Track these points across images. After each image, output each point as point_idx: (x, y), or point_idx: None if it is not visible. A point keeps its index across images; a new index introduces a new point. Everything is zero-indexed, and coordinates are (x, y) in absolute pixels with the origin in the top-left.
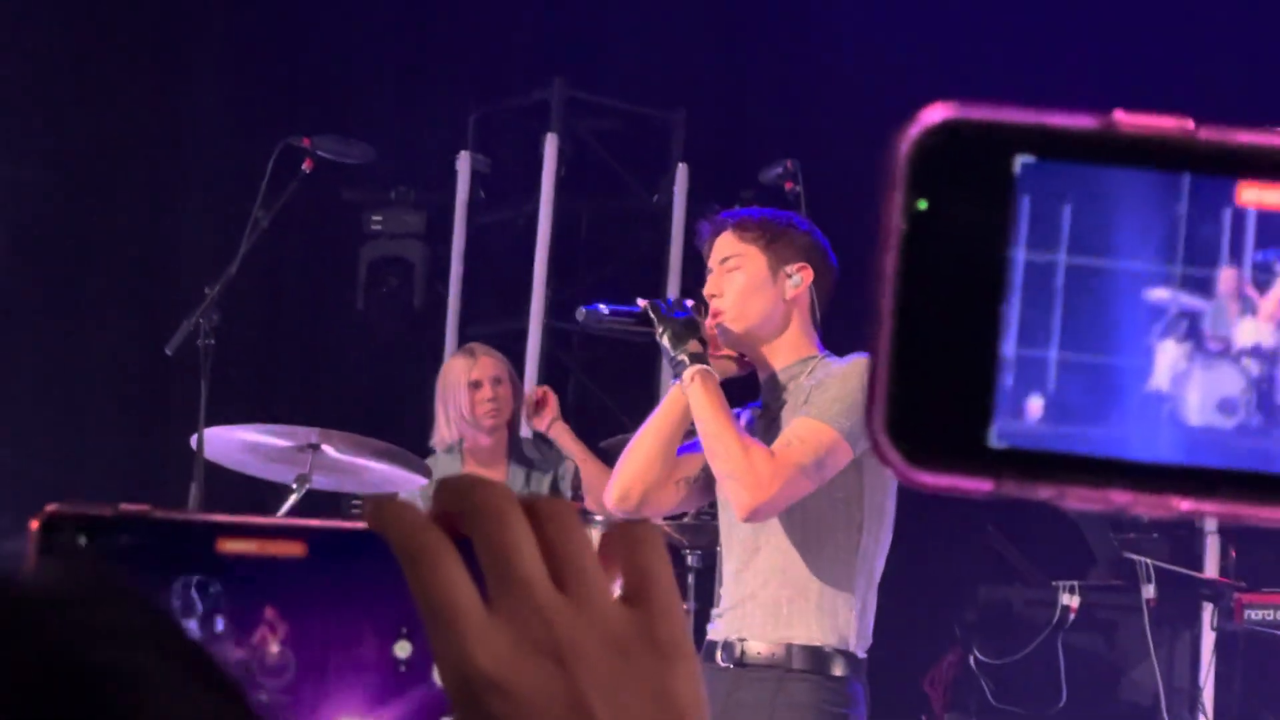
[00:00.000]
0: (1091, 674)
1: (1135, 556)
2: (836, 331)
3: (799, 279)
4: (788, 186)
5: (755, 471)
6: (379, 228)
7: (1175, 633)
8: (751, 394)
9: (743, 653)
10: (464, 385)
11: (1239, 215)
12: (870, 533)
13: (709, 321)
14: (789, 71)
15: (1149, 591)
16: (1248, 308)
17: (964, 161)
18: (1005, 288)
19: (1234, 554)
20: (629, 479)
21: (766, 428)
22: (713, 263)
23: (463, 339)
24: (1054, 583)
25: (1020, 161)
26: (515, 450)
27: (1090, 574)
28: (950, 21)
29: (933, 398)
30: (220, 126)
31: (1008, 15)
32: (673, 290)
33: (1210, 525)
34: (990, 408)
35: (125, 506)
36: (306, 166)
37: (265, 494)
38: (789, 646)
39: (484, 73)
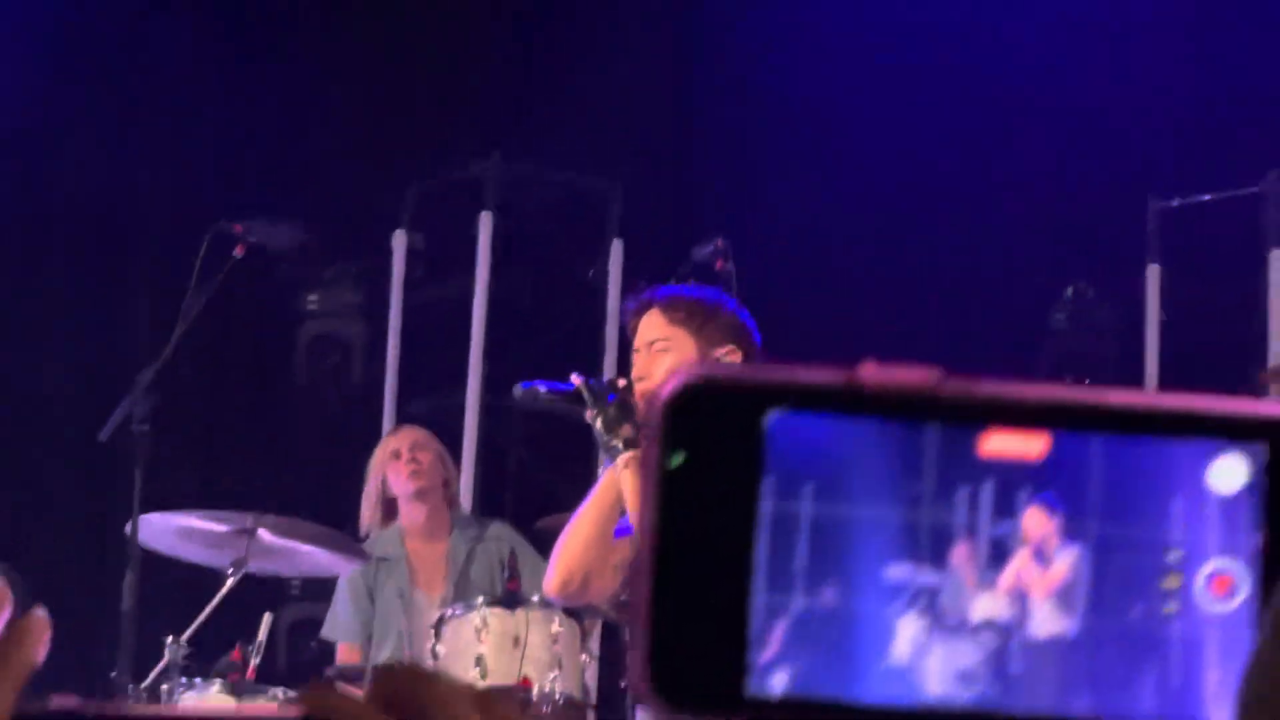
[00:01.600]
0: None
1: None
2: None
3: (728, 363)
4: (719, 265)
5: None
6: (316, 306)
7: None
8: None
9: None
10: (384, 460)
11: (981, 465)
12: None
13: (638, 401)
14: (726, 146)
15: None
16: (992, 563)
17: (717, 417)
18: (756, 540)
19: None
20: (569, 566)
21: None
22: (640, 343)
23: (401, 416)
24: None
25: (771, 416)
26: (457, 523)
27: None
28: (887, 102)
29: (689, 648)
30: (154, 211)
31: (937, 97)
32: (609, 364)
33: None
34: (743, 659)
35: (56, 699)
36: (238, 252)
37: (203, 580)
38: None
39: (419, 149)
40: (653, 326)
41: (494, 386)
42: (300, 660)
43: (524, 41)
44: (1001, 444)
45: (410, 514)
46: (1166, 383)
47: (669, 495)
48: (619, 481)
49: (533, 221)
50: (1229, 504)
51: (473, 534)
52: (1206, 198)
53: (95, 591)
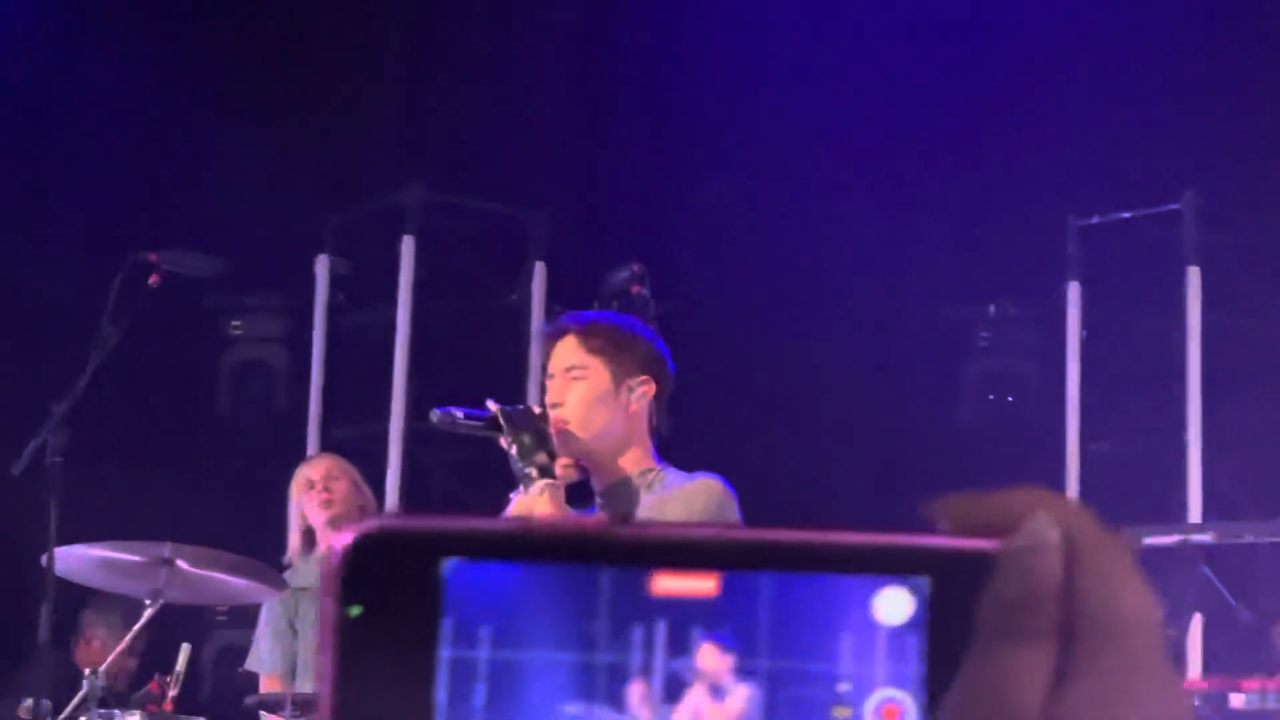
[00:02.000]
0: None
1: None
2: (679, 433)
3: (641, 393)
4: (634, 290)
5: None
6: (239, 332)
7: None
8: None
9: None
10: (300, 491)
11: (655, 605)
12: None
13: (552, 427)
14: (646, 172)
15: None
16: (667, 700)
17: (394, 567)
18: (435, 688)
19: None
20: None
21: None
22: (554, 369)
23: (325, 442)
24: None
25: (447, 564)
26: None
27: None
28: (806, 125)
29: None
30: (70, 242)
31: (856, 119)
32: (533, 388)
33: None
34: None
35: None
36: (153, 281)
37: (122, 610)
38: None
39: (342, 176)
40: (568, 353)
41: (418, 412)
42: (226, 688)
43: (445, 70)
44: (673, 584)
45: (327, 543)
46: (1088, 398)
47: (348, 647)
48: (531, 508)
49: (455, 247)
50: (895, 635)
51: None
52: (1126, 215)
53: (12, 623)
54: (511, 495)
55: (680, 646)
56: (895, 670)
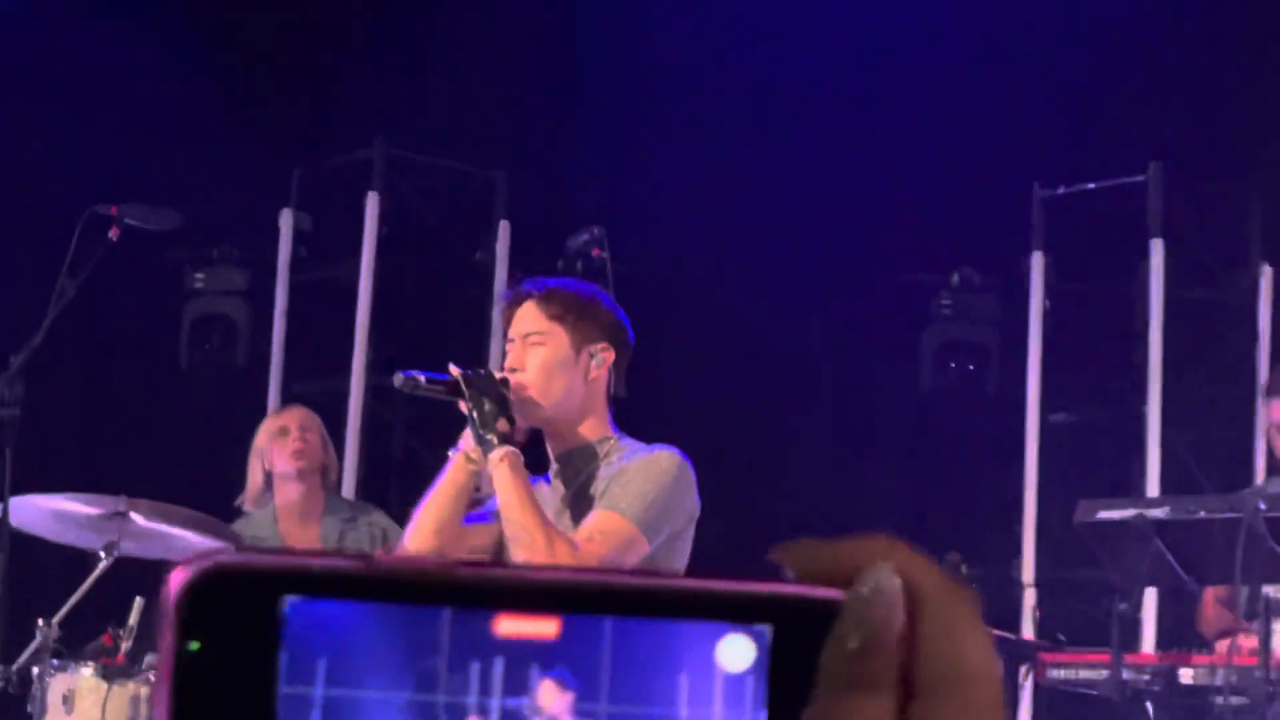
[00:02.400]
0: None
1: None
2: (637, 398)
3: (601, 360)
4: (594, 253)
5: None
6: (201, 285)
7: None
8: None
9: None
10: (271, 436)
11: (496, 644)
12: None
13: (512, 393)
14: (610, 134)
15: None
16: None
17: (233, 604)
18: None
19: (1039, 613)
20: (420, 552)
21: (559, 507)
22: (514, 334)
23: (286, 396)
24: None
25: (287, 602)
26: (331, 507)
27: None
28: (769, 91)
29: None
30: (31, 194)
31: (820, 86)
32: (495, 348)
33: (1027, 577)
34: None
35: None
36: (113, 234)
37: (76, 562)
38: None
39: (307, 130)
40: (528, 319)
41: (379, 368)
42: None
43: (410, 26)
44: (515, 626)
45: (286, 494)
46: (1049, 368)
47: (186, 681)
48: (492, 473)
49: (419, 205)
50: (737, 682)
51: (345, 517)
52: (1091, 186)
53: None
54: (450, 452)
55: (519, 685)
56: (736, 716)
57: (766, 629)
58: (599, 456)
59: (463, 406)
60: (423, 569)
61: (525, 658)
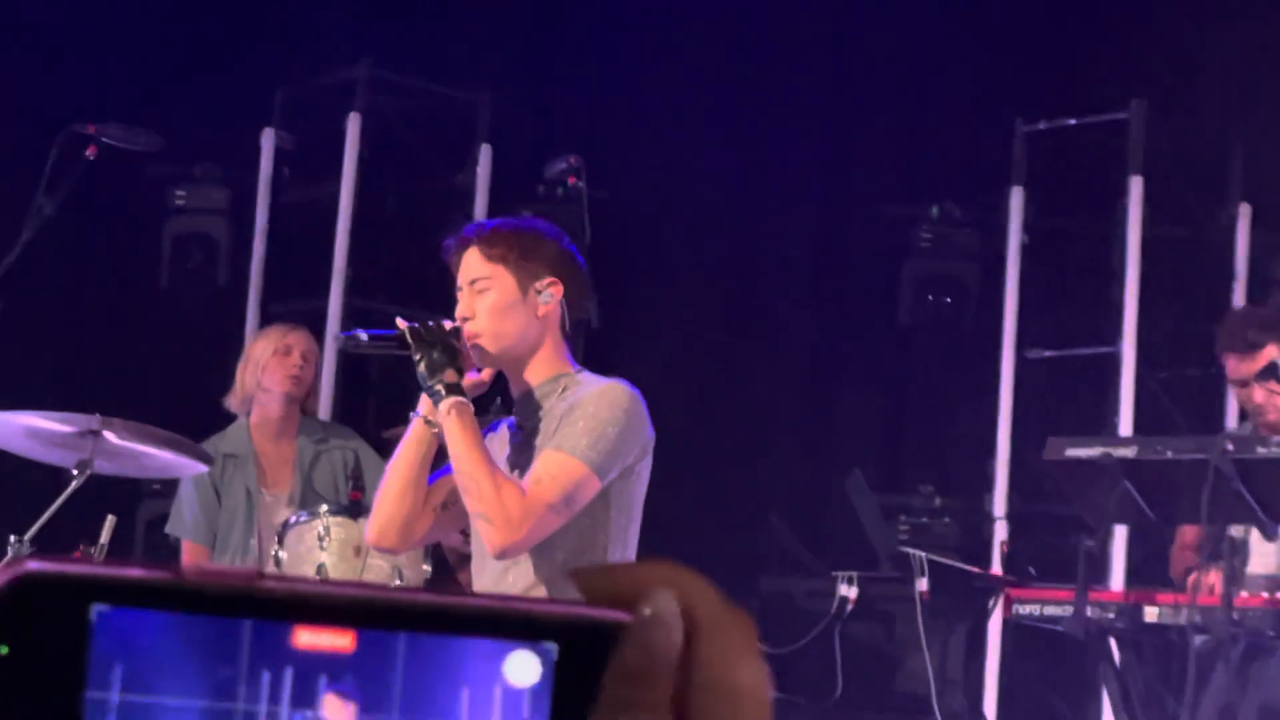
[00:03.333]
0: (868, 664)
1: (911, 550)
2: (617, 329)
3: (549, 295)
4: (571, 181)
5: (506, 512)
6: (183, 203)
7: (949, 625)
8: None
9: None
10: (271, 350)
11: (291, 656)
12: (614, 554)
13: (463, 344)
14: (592, 60)
15: (922, 585)
16: None
17: (43, 610)
18: None
19: (1005, 549)
20: (385, 519)
21: (518, 449)
22: (461, 281)
23: (265, 316)
24: (834, 574)
25: (95, 610)
26: (305, 427)
27: (871, 566)
28: (754, 22)
29: None
30: (7, 113)
31: (803, 16)
32: None
33: (999, 511)
34: None
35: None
36: (90, 153)
37: (49, 479)
38: None
39: (290, 50)
40: (472, 265)
41: (359, 290)
42: (156, 556)
43: None
44: (313, 639)
45: (267, 410)
46: (1026, 303)
47: None
48: (440, 425)
49: (401, 127)
50: (522, 697)
51: (318, 438)
52: (1072, 122)
53: None
54: (411, 415)
55: (306, 696)
56: None
57: (553, 647)
58: (555, 393)
59: (414, 358)
60: (228, 581)
61: (315, 669)
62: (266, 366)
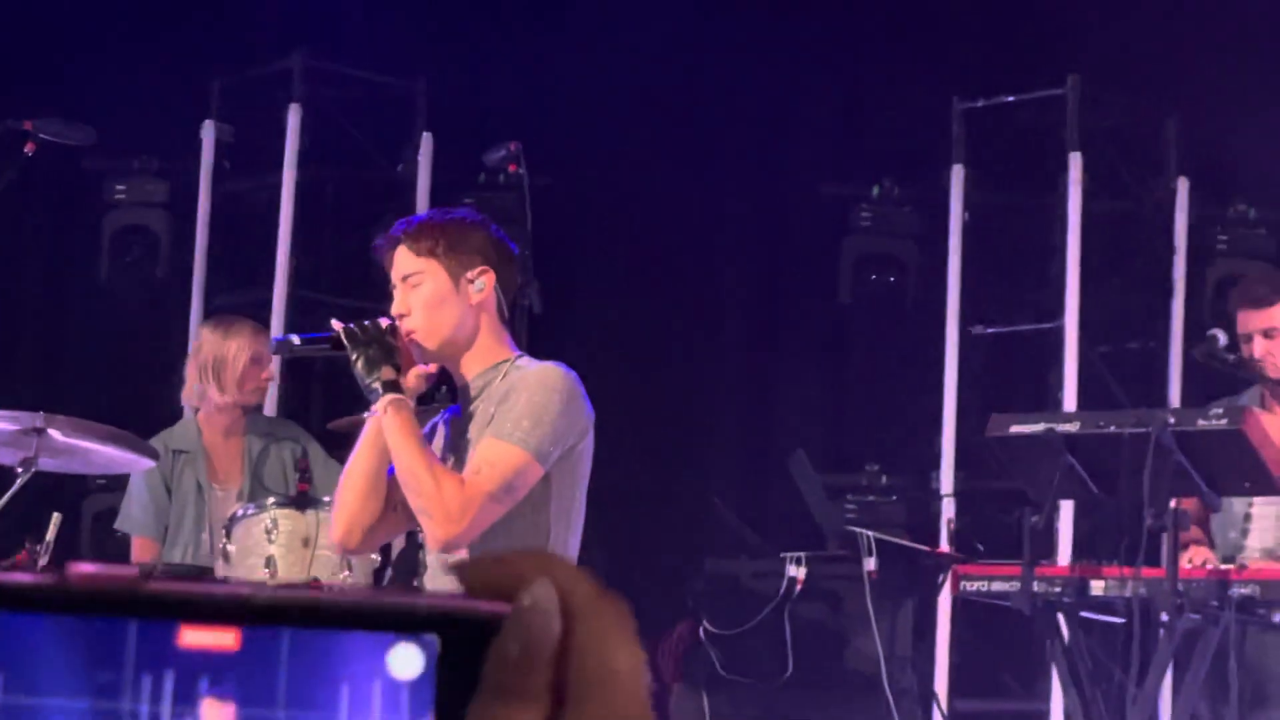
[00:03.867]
0: (817, 643)
1: (857, 529)
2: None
3: (482, 283)
4: (511, 169)
5: (445, 506)
6: (122, 197)
7: (896, 603)
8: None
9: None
10: (246, 359)
11: (174, 657)
12: (558, 538)
13: (402, 340)
14: (529, 46)
15: (870, 564)
16: None
17: None
18: None
19: (952, 526)
20: (348, 521)
21: (459, 440)
22: (395, 279)
23: (208, 309)
24: (781, 554)
25: None
26: (252, 424)
27: (818, 546)
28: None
29: None
30: None
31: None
32: None
33: (946, 488)
34: None
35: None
36: (28, 149)
37: None
38: None
39: (225, 41)
40: (403, 261)
41: (302, 280)
42: (103, 551)
43: None
44: (197, 638)
45: (220, 408)
46: (968, 281)
47: None
48: (382, 424)
49: (341, 116)
50: (403, 688)
51: (264, 432)
52: (1010, 99)
53: None
54: (366, 415)
55: (188, 696)
56: None
57: (434, 639)
58: (497, 379)
59: (349, 359)
60: (111, 583)
61: (197, 670)
62: (240, 371)
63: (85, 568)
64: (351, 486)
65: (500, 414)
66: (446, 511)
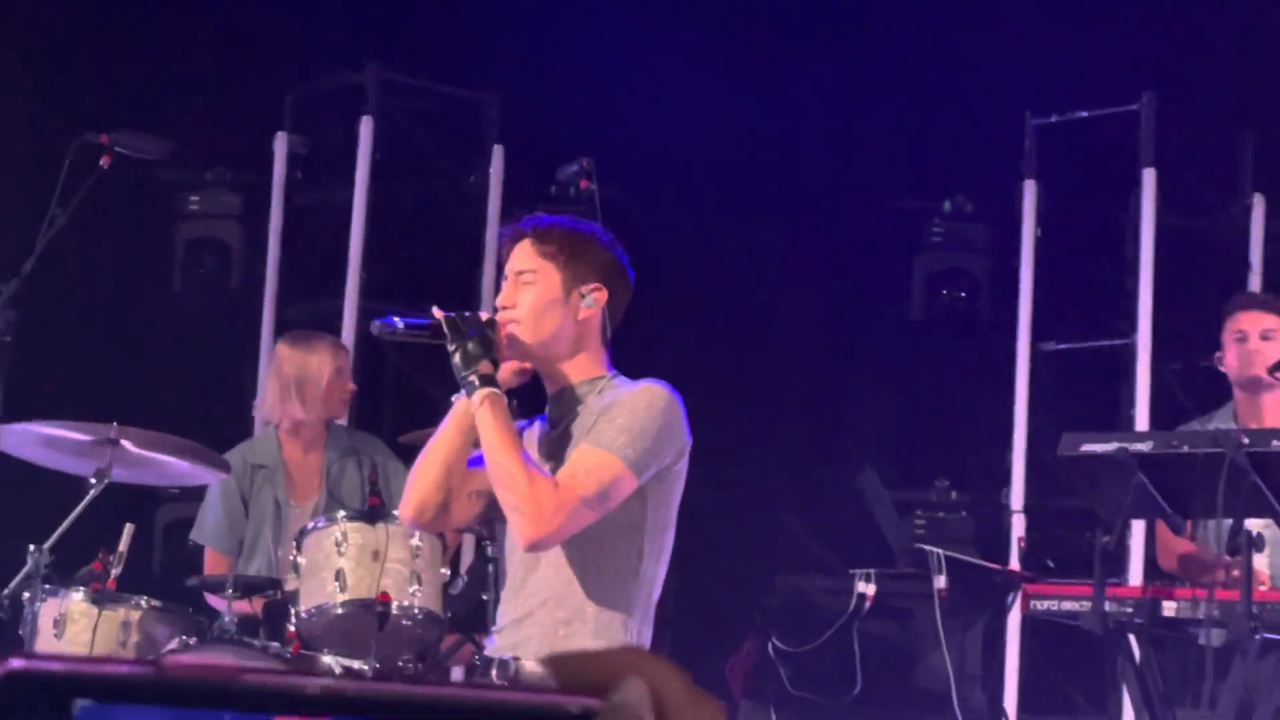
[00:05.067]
0: (886, 661)
1: (927, 547)
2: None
3: (592, 299)
4: (583, 184)
5: (538, 504)
6: (195, 208)
7: (967, 621)
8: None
9: (517, 671)
10: (328, 373)
11: None
12: (651, 557)
13: (500, 331)
14: (602, 55)
15: (940, 582)
16: None
17: (27, 707)
18: None
19: (1023, 544)
20: (421, 495)
21: (550, 447)
22: (509, 270)
23: (280, 321)
24: (851, 571)
25: (78, 705)
26: (333, 437)
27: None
28: (765, 15)
29: None
30: (23, 123)
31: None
32: (488, 271)
33: (1016, 504)
34: None
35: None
36: (104, 162)
37: (67, 488)
38: None
39: (299, 54)
40: (522, 257)
41: (374, 292)
42: (175, 560)
43: None
44: None
45: (304, 423)
46: (1040, 297)
47: None
48: (473, 414)
49: (413, 129)
50: None
51: (345, 446)
52: (1084, 114)
53: None
54: (453, 399)
55: None
56: None
57: None
58: (590, 395)
59: (449, 348)
60: (207, 675)
61: None
62: (323, 384)
63: (182, 660)
64: (430, 462)
65: (600, 424)
66: (539, 510)
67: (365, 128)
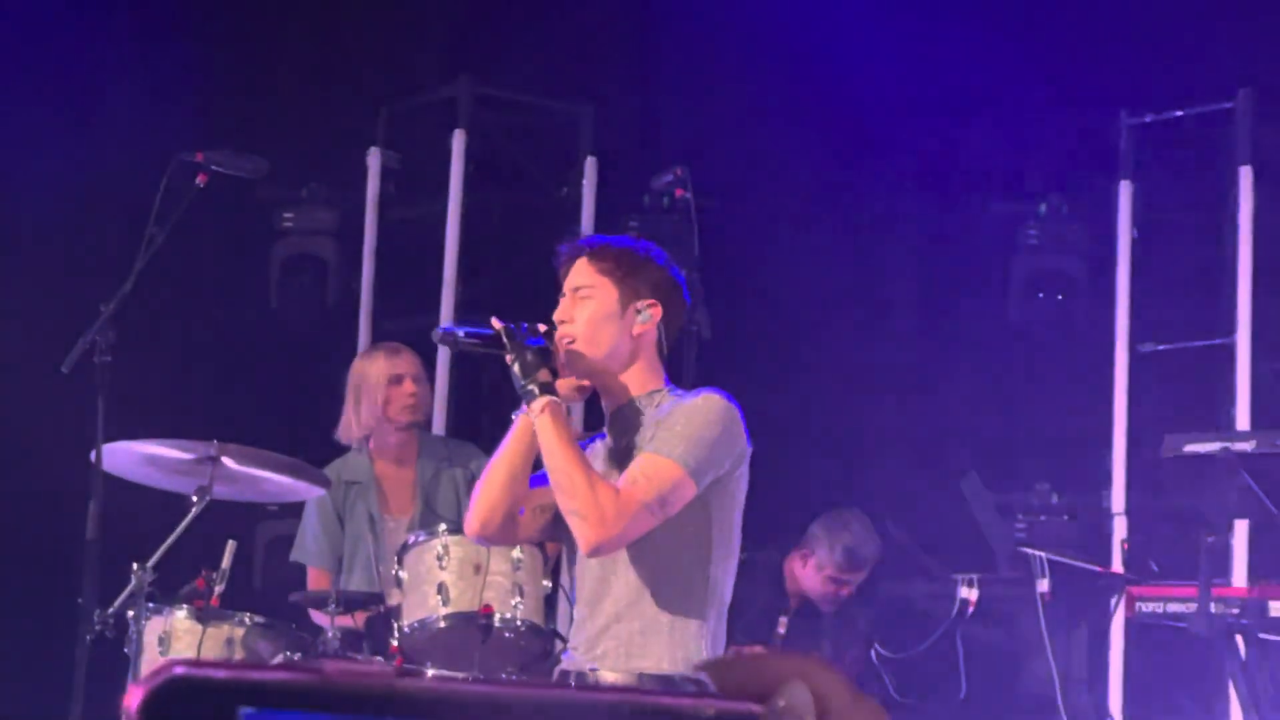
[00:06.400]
0: (990, 665)
1: (1030, 550)
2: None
3: (648, 315)
4: (678, 194)
5: (600, 509)
6: (290, 225)
7: (1071, 624)
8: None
9: (596, 684)
10: (384, 381)
11: None
12: (719, 563)
13: (557, 346)
14: (696, 65)
15: (1043, 585)
16: None
17: (190, 714)
18: None
19: (1126, 546)
20: (486, 509)
21: (610, 460)
22: (566, 288)
23: (376, 335)
24: (953, 576)
25: (242, 713)
26: (426, 448)
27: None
28: (856, 23)
29: None
30: (121, 142)
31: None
32: None
33: (1118, 507)
34: None
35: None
36: (200, 181)
37: (169, 506)
38: (640, 676)
39: (392, 69)
40: (579, 273)
41: (468, 306)
42: (275, 578)
43: None
44: None
45: (385, 438)
46: (1138, 298)
47: None
48: (533, 423)
49: (505, 142)
50: None
51: (440, 457)
52: (1179, 114)
53: (60, 520)
54: (514, 415)
55: None
56: None
57: None
58: (649, 407)
59: (507, 359)
60: (369, 682)
61: None
62: (382, 400)
63: (342, 665)
64: (495, 477)
65: (659, 432)
66: (601, 515)
67: (458, 141)
